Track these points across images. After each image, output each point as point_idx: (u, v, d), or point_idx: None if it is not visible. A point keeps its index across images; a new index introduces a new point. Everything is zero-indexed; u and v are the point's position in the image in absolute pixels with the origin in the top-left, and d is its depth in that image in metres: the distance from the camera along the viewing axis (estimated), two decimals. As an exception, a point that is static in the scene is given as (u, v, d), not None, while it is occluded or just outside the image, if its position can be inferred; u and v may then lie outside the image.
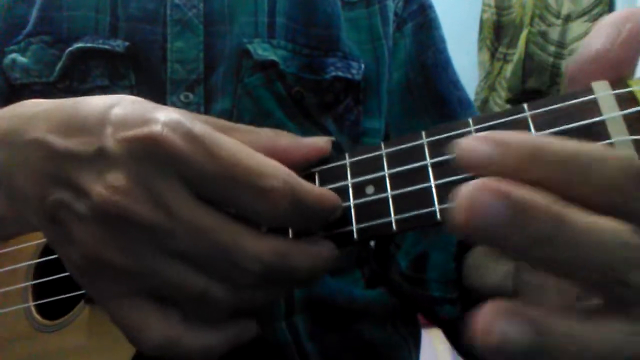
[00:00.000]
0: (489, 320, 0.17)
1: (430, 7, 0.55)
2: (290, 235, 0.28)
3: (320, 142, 0.29)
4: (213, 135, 0.25)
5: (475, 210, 0.17)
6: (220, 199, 0.25)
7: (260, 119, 0.45)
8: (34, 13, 0.46)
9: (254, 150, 0.26)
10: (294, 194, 0.25)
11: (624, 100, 0.22)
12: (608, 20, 0.23)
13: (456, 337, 0.46)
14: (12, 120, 0.29)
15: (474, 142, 0.19)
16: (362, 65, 0.48)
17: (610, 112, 0.22)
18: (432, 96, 0.52)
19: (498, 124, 0.25)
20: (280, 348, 0.43)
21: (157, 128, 0.24)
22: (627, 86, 0.22)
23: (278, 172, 0.25)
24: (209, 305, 0.26)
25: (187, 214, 0.24)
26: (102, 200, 0.24)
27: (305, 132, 0.42)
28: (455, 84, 0.53)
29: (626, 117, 0.22)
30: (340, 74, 0.47)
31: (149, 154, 0.24)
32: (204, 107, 0.45)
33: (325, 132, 0.47)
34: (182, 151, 0.24)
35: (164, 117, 0.25)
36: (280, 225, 0.27)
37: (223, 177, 0.24)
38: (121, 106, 0.26)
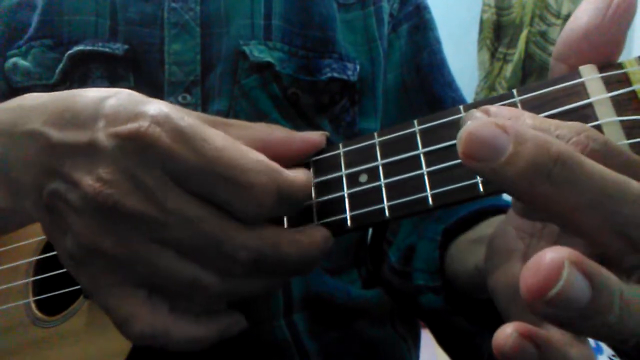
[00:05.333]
0: (555, 266, 0.16)
1: (426, 8, 0.55)
2: (285, 223, 0.29)
3: (314, 136, 0.29)
4: (199, 130, 0.25)
5: (477, 139, 0.18)
6: (206, 193, 0.25)
7: (257, 119, 0.45)
8: (35, 18, 0.47)
9: (247, 145, 0.27)
10: (279, 189, 0.25)
11: (612, 82, 0.23)
12: None
13: (440, 331, 0.46)
14: (11, 112, 0.30)
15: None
16: (358, 67, 0.49)
17: (598, 95, 0.23)
18: (427, 97, 0.52)
19: None
20: (280, 346, 0.43)
21: (144, 123, 0.24)
22: (620, 67, 0.23)
23: (262, 166, 0.25)
24: (199, 293, 0.26)
25: (175, 205, 0.25)
26: (93, 193, 0.25)
27: None
28: (450, 84, 0.53)
29: (614, 99, 0.22)
30: (335, 75, 0.47)
31: (136, 149, 0.24)
32: (201, 108, 0.45)
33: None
34: (167, 146, 0.24)
35: (153, 111, 0.25)
36: (268, 218, 0.27)
37: (206, 171, 0.24)
38: (115, 98, 0.27)
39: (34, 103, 0.29)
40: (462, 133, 0.19)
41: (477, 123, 0.19)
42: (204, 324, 0.27)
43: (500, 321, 0.28)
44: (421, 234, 0.47)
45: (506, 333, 0.18)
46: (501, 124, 0.19)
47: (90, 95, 0.27)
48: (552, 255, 0.16)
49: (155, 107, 0.25)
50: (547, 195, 0.18)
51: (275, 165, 0.26)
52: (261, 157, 0.26)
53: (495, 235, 0.30)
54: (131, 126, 0.25)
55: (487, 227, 0.40)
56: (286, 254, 0.26)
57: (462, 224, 0.42)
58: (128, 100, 0.26)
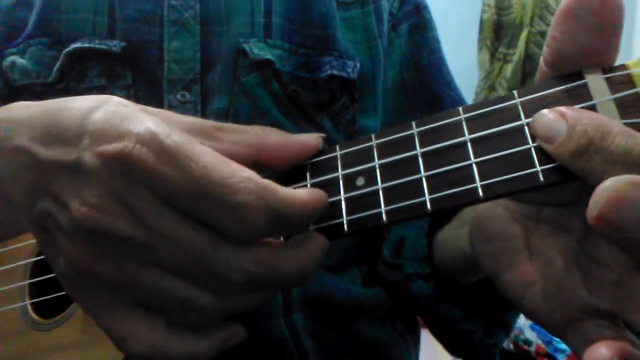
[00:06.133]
0: None
1: (425, 7, 0.55)
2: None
3: (309, 140, 0.29)
4: (186, 148, 0.24)
5: (623, 207, 0.18)
6: (196, 214, 0.24)
7: (257, 117, 0.45)
8: (33, 16, 0.47)
9: (242, 150, 0.26)
10: (270, 209, 0.24)
11: (616, 84, 0.22)
12: (569, 10, 0.22)
13: (431, 318, 0.46)
14: (0, 124, 0.29)
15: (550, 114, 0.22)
16: (358, 64, 0.49)
17: (601, 97, 0.22)
18: (426, 96, 0.52)
19: (488, 111, 0.25)
20: (279, 345, 0.43)
21: (128, 143, 0.23)
22: (625, 68, 0.22)
23: (252, 185, 0.24)
24: (194, 312, 0.26)
25: (165, 227, 0.24)
26: (80, 217, 0.24)
27: (301, 131, 0.43)
28: (449, 83, 0.53)
29: (618, 101, 0.22)
30: (335, 72, 0.47)
31: (122, 170, 0.24)
32: (201, 106, 0.45)
33: (321, 130, 0.47)
34: (154, 168, 0.23)
35: (138, 129, 0.24)
36: (262, 238, 0.26)
37: (193, 192, 0.23)
38: (102, 112, 0.25)
39: (21, 116, 0.28)
40: (602, 195, 0.19)
41: (618, 185, 0.18)
42: (203, 338, 0.27)
43: (490, 307, 0.28)
44: (409, 224, 0.46)
45: (603, 355, 0.20)
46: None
47: (76, 107, 0.26)
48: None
49: (141, 124, 0.24)
50: None
51: (266, 183, 0.24)
52: (251, 174, 0.24)
53: (483, 217, 0.30)
54: (116, 146, 0.24)
55: (471, 209, 0.40)
56: (282, 272, 0.25)
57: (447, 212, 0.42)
58: (114, 116, 0.25)
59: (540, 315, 0.26)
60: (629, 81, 0.22)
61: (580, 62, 0.23)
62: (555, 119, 0.22)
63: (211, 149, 0.25)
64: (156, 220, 0.24)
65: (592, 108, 0.22)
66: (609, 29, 0.22)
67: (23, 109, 0.29)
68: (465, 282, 0.40)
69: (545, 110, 0.23)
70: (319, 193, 0.26)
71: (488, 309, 0.42)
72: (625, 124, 0.21)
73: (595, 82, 0.22)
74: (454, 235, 0.39)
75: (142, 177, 0.23)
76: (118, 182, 0.24)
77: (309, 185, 0.28)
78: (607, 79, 0.22)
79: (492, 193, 0.24)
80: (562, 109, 0.22)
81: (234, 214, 0.24)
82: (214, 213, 0.24)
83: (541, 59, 0.25)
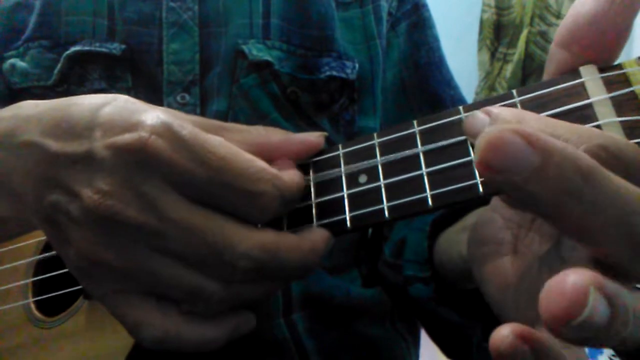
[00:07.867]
0: (581, 293, 0.15)
1: (424, 6, 0.55)
2: (285, 225, 0.29)
3: (312, 138, 0.29)
4: (201, 139, 0.25)
5: (499, 149, 0.17)
6: (210, 202, 0.25)
7: (256, 119, 0.45)
8: (33, 18, 0.47)
9: (245, 149, 0.27)
10: (283, 195, 0.26)
11: (613, 83, 0.23)
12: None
13: (429, 322, 0.46)
14: (9, 121, 0.29)
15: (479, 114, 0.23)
16: (357, 65, 0.49)
17: (598, 95, 0.23)
18: (425, 95, 0.52)
19: None
20: (279, 345, 0.43)
21: (144, 134, 0.24)
22: (620, 67, 0.23)
23: (267, 175, 0.25)
24: (202, 300, 0.26)
25: (175, 215, 0.24)
26: (92, 204, 0.24)
27: (300, 132, 0.43)
28: (449, 82, 0.53)
29: (614, 100, 0.22)
30: (334, 73, 0.47)
31: (136, 160, 0.24)
32: (200, 108, 0.45)
33: (320, 131, 0.47)
34: (169, 157, 0.24)
35: (151, 120, 0.25)
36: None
37: (211, 182, 0.24)
38: (111, 106, 0.26)
39: (30, 112, 0.29)
40: (481, 140, 0.18)
41: (497, 130, 0.18)
42: (216, 324, 0.28)
43: (489, 312, 0.28)
44: (411, 226, 0.47)
45: (502, 334, 0.18)
46: (526, 133, 0.17)
47: (86, 103, 0.27)
48: (576, 280, 0.16)
49: (153, 115, 0.25)
50: (573, 214, 0.17)
51: (275, 171, 0.26)
52: (264, 164, 0.26)
53: (480, 222, 0.30)
54: (129, 137, 0.24)
55: (473, 216, 0.40)
56: (287, 261, 0.26)
57: (450, 215, 0.42)
58: (124, 108, 0.26)
59: (508, 316, 0.26)
60: (624, 80, 0.22)
61: (592, 36, 0.23)
62: (481, 117, 0.23)
63: (223, 140, 0.26)
64: (166, 208, 0.24)
65: (590, 106, 0.23)
66: (623, 22, 0.22)
67: (32, 107, 0.30)
68: (466, 286, 0.40)
69: (472, 113, 0.24)
70: (300, 174, 0.28)
71: (487, 314, 0.42)
72: (622, 122, 0.22)
73: (592, 81, 0.23)
74: (454, 240, 0.39)
75: (157, 167, 0.24)
76: (131, 171, 0.24)
77: (312, 183, 0.29)
78: (603, 77, 0.23)
79: (492, 190, 0.24)
80: (488, 108, 0.23)
81: (253, 202, 0.25)
82: (232, 201, 0.25)
83: (553, 47, 0.25)
